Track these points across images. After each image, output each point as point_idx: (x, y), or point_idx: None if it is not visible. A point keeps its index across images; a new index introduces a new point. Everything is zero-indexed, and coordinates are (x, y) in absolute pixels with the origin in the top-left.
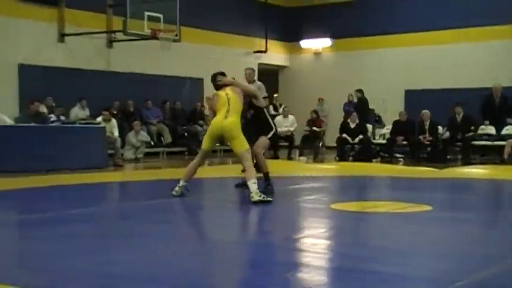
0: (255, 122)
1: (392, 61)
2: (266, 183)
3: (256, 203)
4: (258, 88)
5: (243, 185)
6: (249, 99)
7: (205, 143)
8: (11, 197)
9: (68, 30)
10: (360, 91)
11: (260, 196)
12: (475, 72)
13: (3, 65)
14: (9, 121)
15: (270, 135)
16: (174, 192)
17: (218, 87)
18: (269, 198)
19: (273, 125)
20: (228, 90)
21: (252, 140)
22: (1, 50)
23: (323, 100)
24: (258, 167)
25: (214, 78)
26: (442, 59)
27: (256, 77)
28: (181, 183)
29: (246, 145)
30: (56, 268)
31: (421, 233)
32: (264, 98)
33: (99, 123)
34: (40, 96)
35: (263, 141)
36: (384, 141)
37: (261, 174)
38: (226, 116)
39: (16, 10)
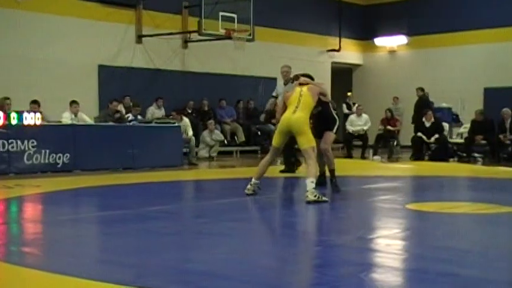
0: (320, 117)
1: (470, 58)
2: (332, 180)
3: (310, 203)
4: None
5: (319, 183)
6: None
7: (275, 140)
8: (92, 194)
9: (145, 32)
10: (421, 89)
11: (315, 196)
12: None
13: (83, 66)
14: (89, 120)
15: (335, 129)
16: (246, 191)
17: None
18: (325, 199)
19: (336, 117)
20: (304, 88)
21: (318, 135)
22: (82, 51)
23: (398, 99)
24: (328, 163)
25: (297, 77)
26: None
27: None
28: (253, 181)
29: (312, 142)
30: (136, 263)
31: (502, 235)
32: None
33: (174, 123)
34: (118, 96)
35: (329, 136)
36: (462, 141)
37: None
38: (295, 111)
39: (96, 13)
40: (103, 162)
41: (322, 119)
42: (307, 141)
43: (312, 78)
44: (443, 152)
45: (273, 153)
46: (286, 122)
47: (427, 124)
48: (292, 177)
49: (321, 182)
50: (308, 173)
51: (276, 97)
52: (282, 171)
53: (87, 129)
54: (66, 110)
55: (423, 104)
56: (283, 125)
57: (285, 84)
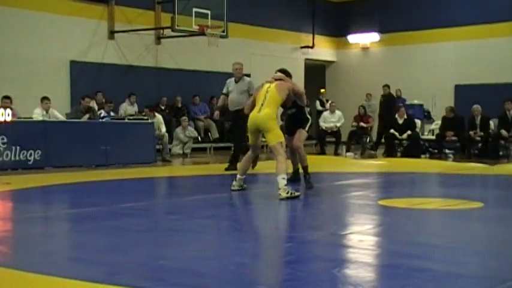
0: (293, 117)
1: (441, 55)
2: (306, 177)
3: (283, 199)
4: (248, 84)
5: (292, 180)
6: (294, 99)
7: (249, 138)
8: (63, 191)
9: (118, 27)
10: (387, 86)
11: (288, 193)
12: None
13: (55, 61)
14: (61, 117)
15: (307, 127)
16: (232, 187)
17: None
18: (298, 194)
19: (309, 117)
20: (273, 84)
21: (290, 133)
22: (53, 47)
23: (371, 96)
24: (301, 160)
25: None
26: (493, 52)
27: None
28: (238, 177)
29: (280, 138)
30: (107, 261)
31: (472, 231)
32: (251, 95)
33: (147, 119)
34: (90, 92)
35: (302, 133)
36: (433, 137)
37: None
38: (260, 109)
39: (67, 8)
40: (75, 159)
41: (295, 118)
42: (274, 137)
43: (289, 74)
44: (415, 148)
45: (251, 150)
46: (253, 120)
47: (400, 121)
48: (268, 175)
49: (294, 179)
50: (278, 169)
51: (227, 94)
52: (226, 169)
53: (58, 126)
54: (37, 106)
55: (388, 101)
56: (251, 123)
57: (237, 81)
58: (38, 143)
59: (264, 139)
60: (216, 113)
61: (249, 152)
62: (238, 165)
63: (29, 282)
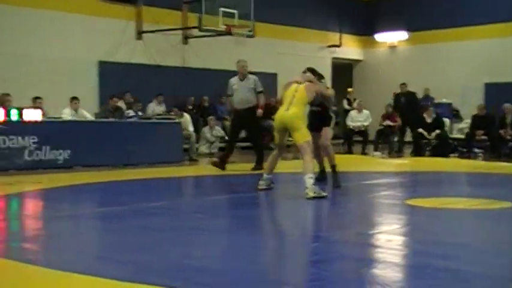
0: (316, 114)
1: (470, 53)
2: (334, 176)
3: (310, 199)
4: (255, 82)
5: (319, 179)
6: (321, 99)
7: (275, 138)
8: (91, 190)
9: (145, 28)
10: (404, 84)
11: (315, 192)
12: None
13: (84, 62)
14: (89, 116)
15: (332, 124)
16: (259, 186)
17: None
18: (324, 194)
19: (332, 114)
20: (302, 85)
21: (314, 129)
22: (82, 47)
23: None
24: (329, 159)
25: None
26: None
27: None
28: (265, 176)
29: (307, 137)
30: (134, 260)
31: (501, 231)
32: (259, 92)
33: (175, 119)
34: (119, 92)
35: (328, 132)
36: (462, 136)
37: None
38: (288, 107)
39: (96, 8)
40: (103, 158)
41: (319, 116)
42: (302, 136)
43: (317, 73)
44: (443, 147)
45: (277, 148)
46: (280, 119)
47: (428, 120)
48: (295, 174)
49: (321, 178)
50: (305, 169)
51: (231, 95)
52: (253, 169)
53: (87, 126)
54: (67, 106)
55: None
56: (278, 122)
57: (242, 79)
58: (67, 143)
59: (290, 138)
60: (231, 115)
61: (275, 151)
62: (265, 164)
63: (58, 280)
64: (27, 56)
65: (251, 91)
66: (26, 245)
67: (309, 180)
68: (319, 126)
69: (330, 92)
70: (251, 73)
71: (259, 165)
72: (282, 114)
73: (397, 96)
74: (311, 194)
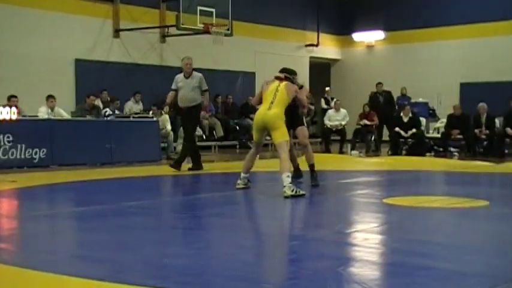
0: (290, 113)
1: (446, 53)
2: (312, 174)
3: (288, 197)
4: (200, 80)
5: (295, 177)
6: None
7: (254, 136)
8: (69, 189)
9: (123, 26)
10: (380, 84)
11: (293, 191)
12: None
13: (60, 60)
14: (66, 115)
15: (305, 122)
16: (237, 185)
17: (280, 79)
18: (303, 192)
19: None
20: (283, 84)
21: (289, 127)
22: (58, 45)
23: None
24: (308, 158)
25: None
26: (498, 51)
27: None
28: (242, 175)
29: (286, 136)
30: (113, 259)
31: (476, 229)
32: (204, 91)
33: (152, 117)
34: (95, 90)
35: (304, 130)
36: (438, 135)
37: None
38: (269, 107)
39: (72, 6)
40: (80, 157)
41: (290, 115)
42: (281, 135)
43: (292, 72)
44: (420, 146)
45: (255, 147)
46: (261, 118)
47: (405, 119)
48: (273, 173)
49: (297, 176)
50: (282, 168)
51: (176, 90)
52: (190, 169)
53: (64, 124)
54: (43, 104)
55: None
56: (259, 121)
57: (187, 77)
58: (43, 141)
59: (268, 137)
60: (166, 108)
61: (252, 150)
62: (242, 163)
63: (34, 280)
64: (2, 53)
65: (196, 90)
66: (1, 245)
67: (287, 178)
68: (292, 123)
69: (305, 99)
70: (231, 72)
71: (196, 165)
72: (264, 113)
73: (374, 96)
74: (289, 192)
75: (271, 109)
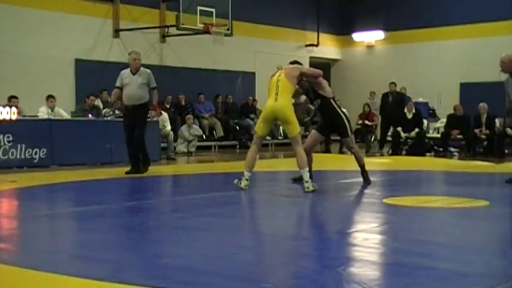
0: (328, 120)
1: (447, 54)
2: (363, 174)
3: (309, 192)
4: (148, 76)
5: (300, 179)
6: (314, 89)
7: (260, 128)
8: (69, 189)
9: (123, 26)
10: (393, 83)
11: (313, 186)
12: None
13: (60, 60)
14: (66, 115)
15: (348, 129)
16: (243, 186)
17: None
18: (317, 187)
19: (340, 112)
20: (281, 73)
21: (322, 131)
22: (58, 45)
23: (375, 94)
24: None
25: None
26: (498, 50)
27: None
28: (246, 174)
29: (298, 128)
30: (112, 259)
31: (477, 229)
32: (153, 88)
33: (153, 117)
34: (95, 90)
35: (351, 140)
36: (438, 135)
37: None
38: (276, 98)
39: (72, 6)
40: (80, 157)
41: (327, 120)
42: (295, 128)
43: (299, 64)
44: (420, 146)
45: (257, 142)
46: (270, 109)
47: (409, 115)
48: (273, 173)
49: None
50: (301, 163)
51: (120, 88)
52: (127, 172)
53: (64, 124)
54: (43, 104)
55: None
56: (268, 113)
57: (134, 73)
58: (43, 141)
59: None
60: (112, 108)
61: (253, 146)
62: (244, 162)
63: (34, 280)
64: (2, 54)
65: (143, 87)
66: (1, 245)
67: (307, 174)
68: (327, 129)
69: (313, 70)
70: (231, 72)
71: (145, 166)
72: (272, 104)
73: (385, 95)
74: (311, 188)
75: (277, 100)
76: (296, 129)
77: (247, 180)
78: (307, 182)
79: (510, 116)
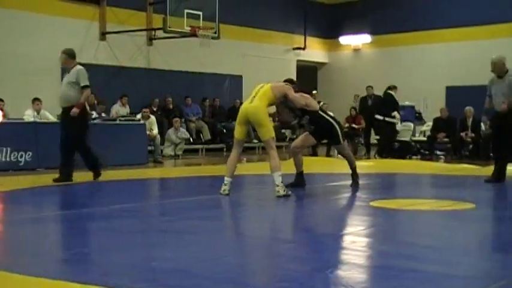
0: (318, 131)
1: (433, 57)
2: (353, 176)
3: (280, 197)
4: (77, 74)
5: (295, 185)
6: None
7: (236, 131)
8: (55, 192)
9: (109, 29)
10: (370, 87)
11: (284, 191)
12: None
13: (46, 62)
14: (52, 118)
15: (340, 137)
16: (222, 192)
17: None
18: (289, 193)
19: (330, 120)
20: (269, 84)
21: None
22: (44, 47)
23: (358, 96)
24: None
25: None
26: (483, 54)
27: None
28: (227, 179)
29: (272, 133)
30: (100, 262)
31: (463, 231)
32: (84, 87)
33: (139, 120)
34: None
35: (344, 146)
36: (425, 139)
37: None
38: (251, 100)
39: (58, 8)
40: None
41: (319, 129)
42: (267, 132)
43: (293, 82)
44: (406, 149)
45: (237, 145)
46: (244, 111)
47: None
48: (260, 176)
49: (299, 182)
50: (273, 167)
51: (88, 86)
52: (55, 180)
53: (50, 127)
54: (29, 107)
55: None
56: (242, 114)
57: (68, 72)
58: (29, 144)
59: (255, 140)
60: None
61: (234, 152)
62: (225, 167)
63: (20, 284)
64: None
65: (72, 85)
66: None
67: (279, 178)
68: (321, 139)
69: (297, 101)
70: (219, 75)
71: (96, 172)
72: (246, 106)
73: (363, 98)
74: (282, 192)
75: (253, 102)
76: (268, 133)
77: (225, 185)
78: (277, 186)
79: (488, 115)
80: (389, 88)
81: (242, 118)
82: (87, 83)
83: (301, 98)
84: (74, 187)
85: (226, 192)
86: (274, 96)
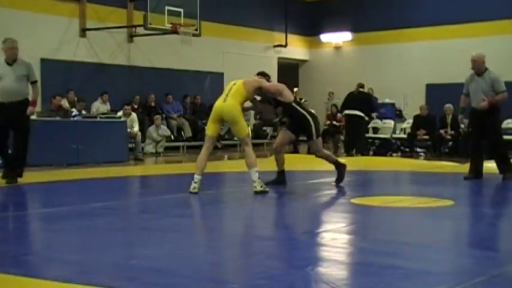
0: (292, 124)
1: (413, 55)
2: (340, 169)
3: (257, 193)
4: (28, 67)
5: (276, 182)
6: (272, 97)
7: (209, 129)
8: (35, 190)
9: (90, 25)
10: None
11: (261, 186)
12: (498, 65)
13: (25, 59)
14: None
15: (314, 133)
16: (192, 189)
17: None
18: (267, 189)
19: (305, 114)
20: (240, 80)
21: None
22: (23, 44)
23: (333, 94)
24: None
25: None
26: (464, 52)
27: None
28: (196, 177)
29: (247, 130)
30: (80, 260)
31: (442, 228)
32: (33, 82)
33: (120, 118)
34: (62, 90)
35: (317, 143)
36: (405, 136)
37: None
38: (225, 99)
39: (37, 5)
40: (47, 158)
41: (293, 122)
42: (242, 129)
43: (266, 75)
44: (387, 147)
45: (208, 143)
46: (218, 109)
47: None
48: (241, 173)
49: (280, 181)
50: (249, 163)
51: (35, 81)
52: (7, 182)
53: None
54: None
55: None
56: (215, 112)
57: (10, 64)
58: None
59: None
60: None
61: (204, 149)
62: (195, 164)
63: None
64: None
65: (23, 80)
66: None
67: (255, 174)
68: (298, 133)
69: (274, 88)
70: (200, 72)
71: (18, 171)
72: (220, 104)
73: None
74: (259, 188)
75: (227, 100)
76: (243, 130)
77: (195, 183)
78: (254, 181)
79: (464, 114)
80: (361, 86)
81: (216, 116)
82: (37, 79)
83: (275, 85)
84: (53, 185)
85: (196, 190)
86: (247, 92)
